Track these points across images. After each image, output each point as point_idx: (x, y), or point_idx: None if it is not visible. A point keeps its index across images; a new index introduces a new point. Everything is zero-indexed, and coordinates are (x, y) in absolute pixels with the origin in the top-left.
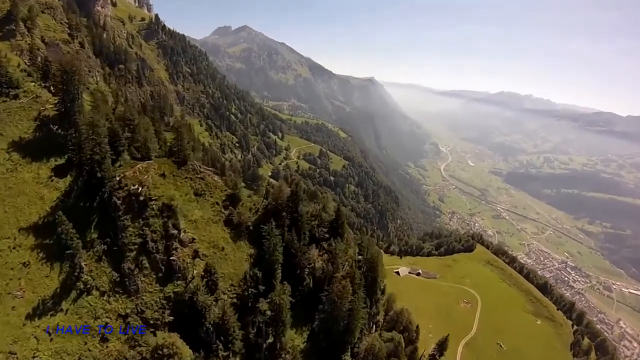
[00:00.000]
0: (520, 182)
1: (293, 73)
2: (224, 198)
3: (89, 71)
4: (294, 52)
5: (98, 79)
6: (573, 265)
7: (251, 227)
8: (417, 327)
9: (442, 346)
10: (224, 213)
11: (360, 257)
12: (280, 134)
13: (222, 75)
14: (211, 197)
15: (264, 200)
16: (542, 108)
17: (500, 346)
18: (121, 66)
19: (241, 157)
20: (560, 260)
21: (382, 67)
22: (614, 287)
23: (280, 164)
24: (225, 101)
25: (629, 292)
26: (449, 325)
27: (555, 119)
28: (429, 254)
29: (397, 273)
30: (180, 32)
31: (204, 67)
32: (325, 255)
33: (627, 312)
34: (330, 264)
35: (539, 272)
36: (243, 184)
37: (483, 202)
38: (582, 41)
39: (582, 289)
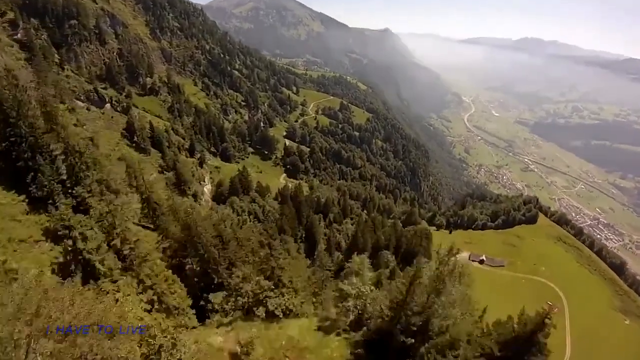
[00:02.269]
0: (548, 132)
1: (305, 29)
2: None
3: None
4: (305, 7)
5: None
6: (605, 222)
7: None
8: None
9: None
10: None
11: None
12: (294, 88)
13: (223, 31)
14: None
15: None
16: (569, 54)
17: None
18: (73, 22)
19: (248, 117)
20: (593, 216)
21: (398, 17)
22: None
23: (296, 121)
24: (227, 57)
25: None
26: None
27: (583, 66)
28: (484, 227)
29: None
30: None
31: (200, 22)
32: None
33: None
34: None
35: None
36: (251, 150)
37: (510, 153)
38: None
39: (614, 248)
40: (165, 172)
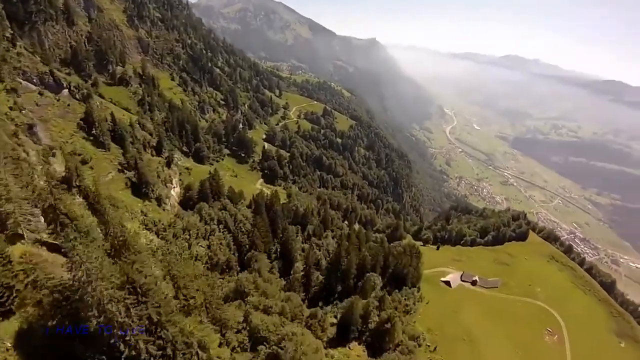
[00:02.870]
0: (527, 148)
1: (292, 33)
2: None
3: None
4: (293, 12)
5: None
6: (581, 236)
7: None
8: None
9: None
10: None
11: None
12: (277, 91)
13: (208, 28)
14: None
15: None
16: (550, 73)
17: None
18: None
19: (227, 117)
20: (569, 230)
21: (386, 29)
22: (621, 261)
23: (277, 124)
24: (209, 53)
25: (636, 267)
26: None
27: (564, 85)
28: (473, 243)
29: (448, 284)
30: None
31: (184, 16)
32: None
33: (635, 288)
34: None
35: None
36: (227, 152)
37: (490, 167)
38: (590, 5)
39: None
40: (125, 171)
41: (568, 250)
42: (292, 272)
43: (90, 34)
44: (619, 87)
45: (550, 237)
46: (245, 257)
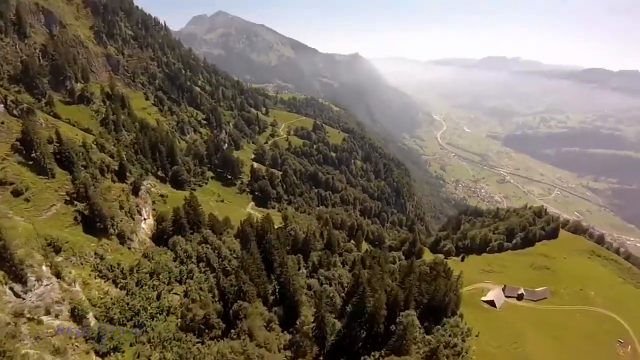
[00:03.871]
0: (519, 144)
1: (276, 54)
2: None
3: None
4: (275, 33)
5: None
6: (585, 224)
7: None
8: None
9: None
10: None
11: None
12: (264, 109)
13: (187, 48)
14: None
15: None
16: (532, 69)
17: None
18: None
19: (210, 136)
20: (572, 220)
21: (367, 42)
22: (628, 243)
23: (266, 142)
24: (188, 72)
25: None
26: None
27: (546, 79)
28: (500, 248)
29: (492, 304)
30: None
31: (160, 36)
32: None
33: None
34: None
35: None
36: (211, 174)
37: (485, 167)
38: None
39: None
40: (76, 202)
41: (600, 241)
42: (298, 323)
43: (45, 47)
44: (600, 74)
45: (579, 230)
46: (231, 310)
